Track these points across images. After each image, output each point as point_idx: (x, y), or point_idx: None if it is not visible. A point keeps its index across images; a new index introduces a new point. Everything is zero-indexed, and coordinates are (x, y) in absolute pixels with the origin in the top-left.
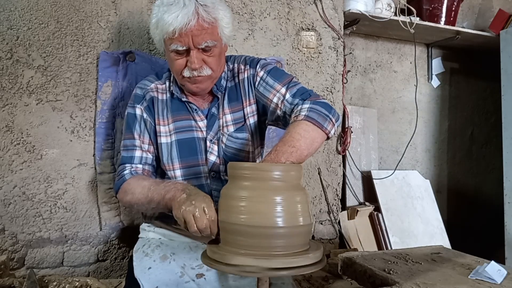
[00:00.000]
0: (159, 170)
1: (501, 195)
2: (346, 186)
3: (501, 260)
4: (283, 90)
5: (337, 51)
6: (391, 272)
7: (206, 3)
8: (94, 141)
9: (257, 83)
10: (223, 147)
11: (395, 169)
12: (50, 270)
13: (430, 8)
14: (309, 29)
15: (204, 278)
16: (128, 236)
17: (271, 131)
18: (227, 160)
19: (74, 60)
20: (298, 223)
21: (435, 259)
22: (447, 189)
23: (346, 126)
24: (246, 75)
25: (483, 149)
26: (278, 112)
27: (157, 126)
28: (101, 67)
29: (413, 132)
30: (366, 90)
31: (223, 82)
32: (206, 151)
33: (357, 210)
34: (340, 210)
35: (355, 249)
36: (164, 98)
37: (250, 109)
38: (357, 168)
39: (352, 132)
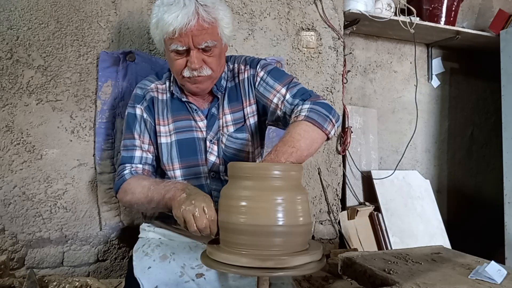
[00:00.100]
0: (159, 170)
1: (501, 195)
2: (346, 186)
3: (501, 260)
4: (283, 90)
5: (337, 51)
6: (391, 272)
7: (206, 3)
8: (94, 141)
9: (257, 83)
10: (223, 147)
11: (395, 169)
12: (50, 270)
13: (430, 8)
14: (309, 29)
15: (204, 278)
16: (128, 236)
17: (271, 131)
18: (227, 161)
19: (74, 60)
20: (298, 222)
21: (435, 259)
22: (447, 189)
23: (346, 126)
24: (246, 75)
25: (483, 149)
26: (278, 112)
27: (157, 126)
28: (101, 67)
29: (413, 132)
30: (366, 90)
31: (223, 82)
32: (206, 151)
33: (357, 210)
34: (340, 210)
35: (355, 249)
36: (164, 98)
37: (250, 109)
38: (357, 168)
39: (352, 132)
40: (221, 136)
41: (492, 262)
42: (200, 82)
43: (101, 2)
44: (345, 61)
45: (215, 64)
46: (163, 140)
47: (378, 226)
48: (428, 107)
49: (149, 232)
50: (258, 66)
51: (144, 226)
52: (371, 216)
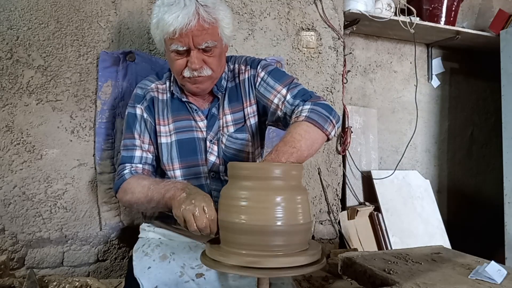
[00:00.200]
0: (159, 170)
1: (501, 195)
2: (346, 186)
3: (501, 260)
4: (284, 91)
5: (337, 51)
6: (391, 272)
7: (207, 4)
8: (94, 141)
9: (257, 83)
10: (223, 147)
11: (395, 169)
12: (50, 270)
13: (430, 8)
14: (309, 29)
15: (204, 277)
16: (128, 236)
17: (271, 132)
18: (227, 161)
19: (74, 60)
20: (298, 222)
21: (435, 259)
22: (447, 189)
23: (346, 126)
24: (246, 76)
25: (483, 149)
26: (279, 113)
27: (157, 126)
28: (101, 67)
29: (413, 132)
30: (366, 90)
31: (224, 83)
32: (206, 151)
33: (357, 210)
34: (340, 210)
35: (355, 249)
36: (165, 98)
37: (251, 110)
38: (357, 168)
39: (352, 132)
40: (221, 136)
41: (492, 262)
42: (201, 82)
43: (101, 2)
44: (345, 61)
45: (216, 65)
46: (163, 140)
47: (378, 226)
48: (428, 107)
49: (149, 232)
50: (258, 67)
51: (144, 226)
52: (371, 216)
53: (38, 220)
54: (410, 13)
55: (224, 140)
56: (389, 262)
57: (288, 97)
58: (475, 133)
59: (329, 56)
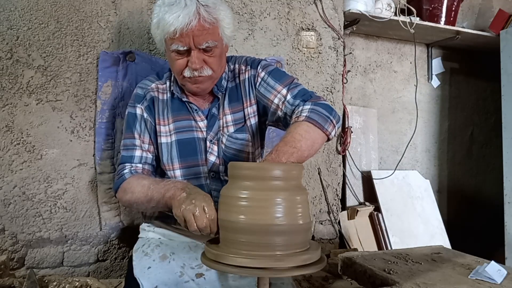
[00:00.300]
0: (158, 170)
1: (501, 195)
2: (346, 186)
3: (501, 260)
4: (284, 91)
5: (337, 51)
6: (391, 272)
7: (208, 3)
8: (94, 141)
9: (258, 83)
10: (223, 147)
11: (395, 169)
12: (50, 270)
13: (430, 8)
14: (309, 29)
15: (204, 277)
16: (128, 236)
17: (271, 132)
18: (227, 161)
19: (74, 60)
20: (298, 221)
21: (435, 259)
22: (447, 189)
23: (346, 126)
24: (247, 76)
25: (483, 149)
26: (279, 113)
27: (157, 126)
28: (101, 67)
29: (413, 132)
30: (366, 90)
31: (224, 83)
32: (206, 151)
33: (357, 210)
34: (340, 210)
35: (355, 249)
36: (165, 98)
37: (251, 110)
38: (357, 168)
39: (352, 132)
40: (221, 136)
41: (492, 262)
42: (201, 82)
43: (101, 2)
44: (345, 61)
45: (216, 64)
46: (163, 140)
47: (378, 226)
48: (428, 107)
49: (149, 232)
50: (259, 67)
51: (144, 226)
52: (371, 216)
53: (38, 220)
54: (410, 13)
55: (224, 140)
56: (389, 262)
57: (289, 97)
58: (475, 133)
59: (329, 56)
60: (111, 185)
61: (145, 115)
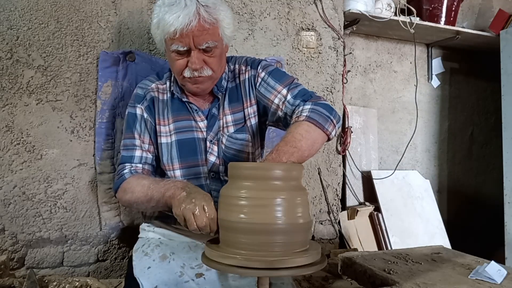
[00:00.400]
0: (158, 170)
1: (501, 195)
2: (346, 186)
3: (501, 260)
4: (284, 91)
5: (337, 51)
6: (391, 272)
7: (208, 4)
8: (94, 141)
9: (258, 84)
10: (223, 147)
11: (395, 169)
12: (50, 270)
13: (430, 8)
14: (309, 29)
15: (204, 277)
16: (128, 236)
17: (271, 132)
18: (227, 161)
19: (74, 60)
20: (298, 221)
21: (435, 259)
22: (447, 189)
23: (346, 126)
24: (247, 76)
25: (483, 149)
26: (279, 113)
27: (157, 126)
28: (101, 67)
29: (413, 132)
30: (366, 90)
31: (224, 83)
32: (206, 151)
33: (357, 210)
34: (340, 210)
35: (355, 249)
36: (165, 98)
37: (251, 110)
38: (357, 168)
39: (352, 132)
40: (221, 137)
41: (492, 262)
42: (201, 82)
43: (101, 2)
44: (345, 61)
45: (216, 65)
46: (163, 140)
47: (378, 226)
48: (428, 107)
49: (148, 232)
50: (259, 67)
51: (144, 226)
52: (371, 216)
53: (38, 220)
54: (410, 13)
55: (224, 141)
56: (389, 262)
57: (289, 97)
58: (475, 133)
59: (329, 56)
60: (111, 185)
61: (145, 115)
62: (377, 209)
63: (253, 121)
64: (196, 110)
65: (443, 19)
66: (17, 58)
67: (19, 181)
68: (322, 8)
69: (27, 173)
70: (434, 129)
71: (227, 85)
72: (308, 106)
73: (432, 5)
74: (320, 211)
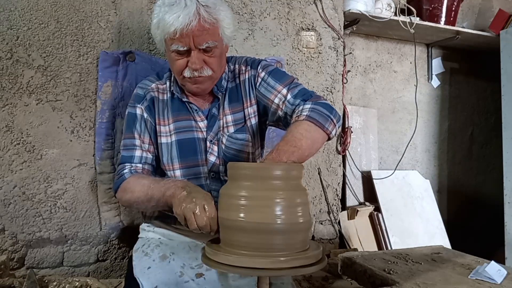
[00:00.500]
0: (158, 170)
1: (501, 195)
2: (346, 186)
3: (501, 260)
4: (284, 91)
5: (337, 51)
6: (391, 272)
7: (208, 4)
8: (94, 141)
9: (258, 83)
10: (223, 147)
11: (395, 169)
12: (50, 270)
13: (430, 8)
14: (309, 29)
15: (204, 277)
16: (128, 236)
17: (271, 131)
18: (227, 161)
19: (74, 60)
20: (298, 220)
21: (435, 259)
22: (447, 189)
23: (346, 126)
24: (247, 76)
25: (483, 149)
26: (279, 113)
27: (157, 126)
28: (101, 67)
29: (413, 132)
30: (366, 90)
31: (224, 83)
32: (206, 151)
33: (357, 210)
34: (340, 210)
35: (355, 249)
36: (165, 98)
37: (251, 110)
38: (357, 168)
39: (352, 132)
40: (221, 137)
41: (492, 262)
42: (201, 82)
43: (101, 2)
44: (345, 61)
45: (216, 65)
46: (163, 140)
47: (378, 226)
48: (428, 107)
49: (148, 232)
50: (259, 67)
51: (144, 226)
52: (371, 216)
53: (38, 220)
54: (410, 13)
55: (224, 141)
56: (389, 262)
57: (289, 96)
58: (475, 133)
59: (329, 56)
60: (111, 185)
61: (145, 115)
62: (377, 209)
63: (253, 121)
64: (196, 110)
65: (443, 19)
66: (17, 58)
67: (19, 181)
68: (322, 8)
69: (27, 173)
70: (434, 129)
71: (227, 85)
72: (308, 106)
73: (432, 5)
74: (320, 211)
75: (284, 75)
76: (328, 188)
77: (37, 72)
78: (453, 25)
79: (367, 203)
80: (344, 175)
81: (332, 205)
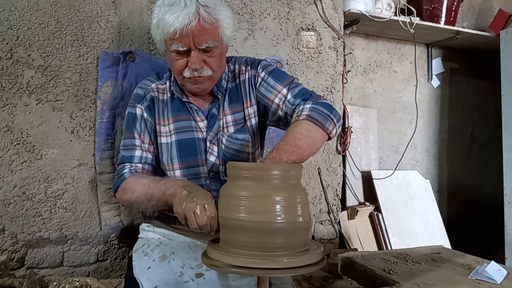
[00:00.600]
0: (158, 170)
1: (501, 195)
2: (346, 186)
3: (501, 260)
4: (284, 91)
5: (337, 51)
6: (391, 272)
7: (207, 4)
8: (94, 141)
9: (258, 83)
10: (223, 148)
11: (395, 169)
12: (50, 270)
13: (430, 8)
14: (309, 29)
15: (204, 277)
16: (128, 236)
17: (271, 131)
18: (227, 161)
19: (74, 60)
20: (297, 220)
21: (435, 259)
22: (447, 189)
23: (346, 126)
24: (247, 76)
25: (483, 149)
26: (280, 112)
27: (157, 126)
28: (101, 67)
29: (413, 132)
30: (366, 90)
31: (224, 83)
32: (206, 151)
33: (357, 210)
34: (340, 210)
35: (355, 249)
36: (165, 98)
37: (251, 110)
38: (357, 168)
39: (352, 132)
40: (221, 137)
41: (492, 262)
42: (201, 82)
43: (101, 2)
44: (345, 61)
45: (216, 65)
46: (163, 140)
47: (378, 226)
48: (428, 107)
49: (148, 232)
50: (259, 67)
51: (143, 226)
52: (371, 216)
53: (38, 220)
54: (410, 13)
55: (224, 141)
56: (389, 262)
57: (289, 96)
58: (475, 133)
59: (329, 56)
60: (111, 185)
61: (145, 115)
62: (377, 209)
63: (253, 121)
64: (196, 110)
65: (443, 19)
66: (17, 58)
67: (19, 181)
68: (322, 8)
69: (27, 173)
70: (434, 129)
71: (227, 85)
72: (308, 105)
73: (432, 5)
74: (320, 211)
75: (284, 75)
76: (328, 188)
77: (37, 72)
78: (453, 25)
79: (367, 203)
80: (344, 175)
81: (332, 205)
